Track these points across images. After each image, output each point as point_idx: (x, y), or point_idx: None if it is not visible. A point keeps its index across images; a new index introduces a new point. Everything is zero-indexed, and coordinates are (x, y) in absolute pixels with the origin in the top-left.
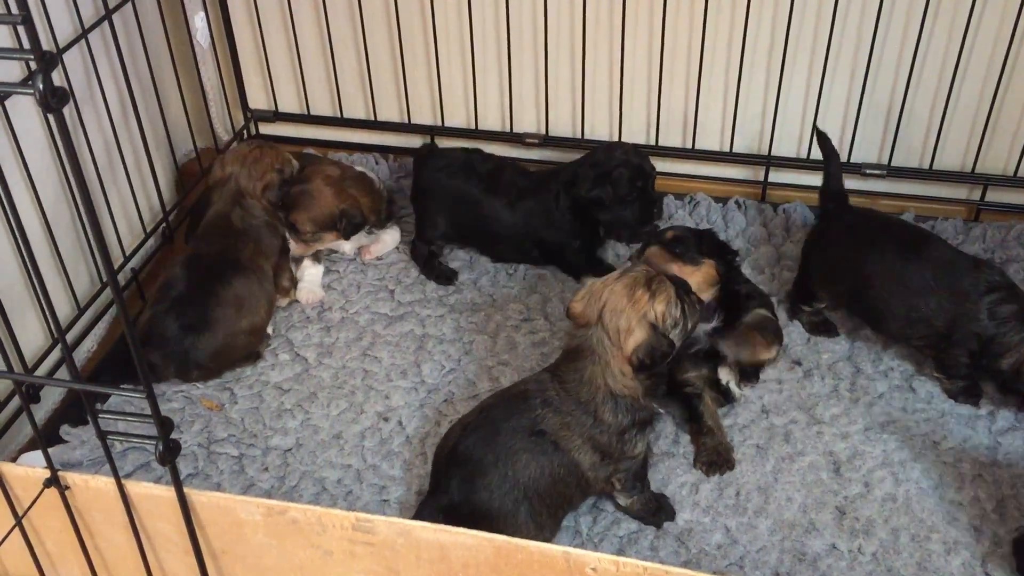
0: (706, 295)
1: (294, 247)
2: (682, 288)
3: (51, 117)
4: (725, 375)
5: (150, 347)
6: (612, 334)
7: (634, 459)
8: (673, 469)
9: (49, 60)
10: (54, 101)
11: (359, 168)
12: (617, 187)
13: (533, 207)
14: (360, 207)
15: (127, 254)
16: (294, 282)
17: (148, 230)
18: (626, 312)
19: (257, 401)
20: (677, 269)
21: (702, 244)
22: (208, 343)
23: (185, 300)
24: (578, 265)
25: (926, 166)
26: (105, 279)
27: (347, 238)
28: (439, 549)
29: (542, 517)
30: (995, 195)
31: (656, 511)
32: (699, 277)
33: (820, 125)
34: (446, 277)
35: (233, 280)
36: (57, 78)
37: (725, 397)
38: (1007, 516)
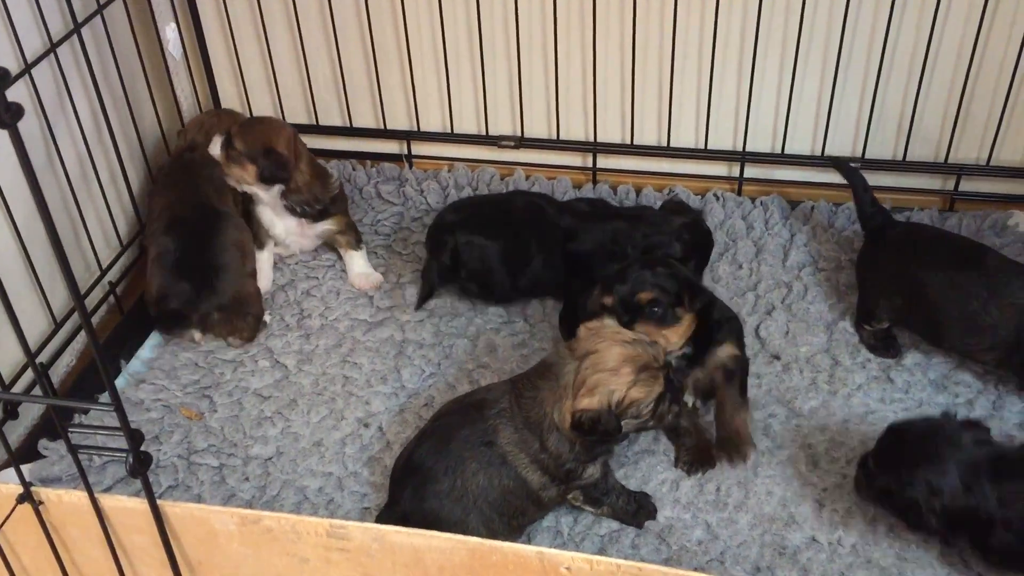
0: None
1: (218, 156)
2: (671, 391)
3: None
4: (690, 398)
5: (169, 298)
6: (578, 380)
7: (585, 482)
8: (653, 467)
9: (3, 76)
10: (7, 116)
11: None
12: (703, 256)
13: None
14: (291, 164)
15: (103, 267)
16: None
17: (125, 242)
18: (602, 375)
19: (237, 409)
20: (663, 337)
21: (675, 290)
22: (225, 285)
23: (184, 259)
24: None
25: (900, 157)
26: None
27: (262, 181)
28: (413, 553)
29: (495, 524)
30: (969, 184)
31: (636, 512)
32: (678, 334)
33: (793, 120)
34: None
35: (226, 229)
36: (27, 93)
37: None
38: None
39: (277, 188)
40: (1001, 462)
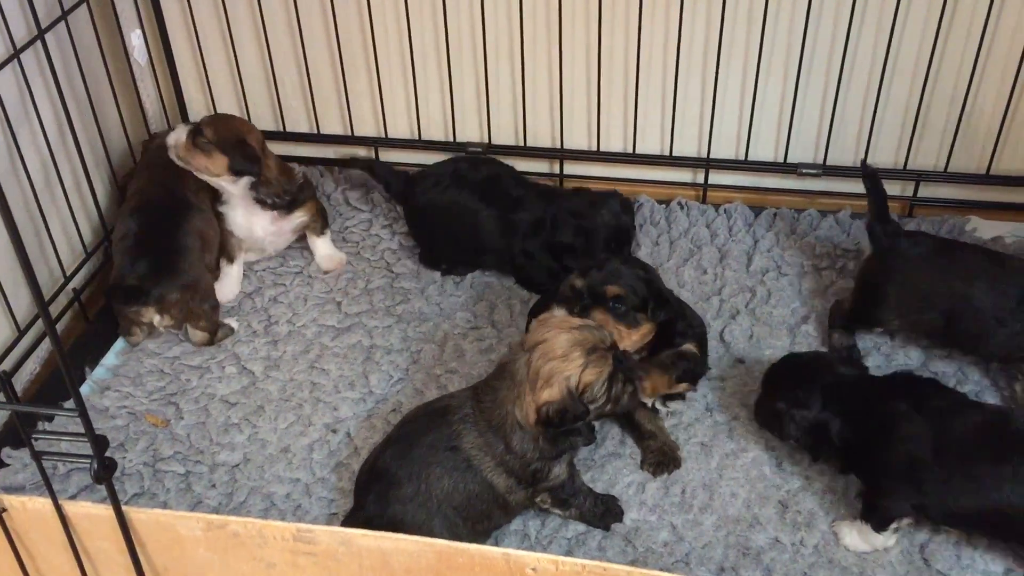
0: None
1: (181, 143)
2: (623, 370)
3: None
4: (649, 400)
5: (127, 277)
6: (532, 373)
7: (552, 483)
8: (620, 470)
9: None
10: None
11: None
12: (593, 243)
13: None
14: (260, 159)
15: (68, 274)
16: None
17: (89, 249)
18: (555, 363)
19: (203, 416)
20: (616, 331)
21: (643, 294)
22: (185, 267)
23: (147, 240)
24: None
25: (860, 164)
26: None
27: (232, 172)
28: (381, 556)
29: (459, 529)
30: (927, 190)
31: (603, 514)
32: (636, 337)
33: (756, 127)
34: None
35: (192, 218)
36: None
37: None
38: None
39: (245, 181)
40: (859, 384)
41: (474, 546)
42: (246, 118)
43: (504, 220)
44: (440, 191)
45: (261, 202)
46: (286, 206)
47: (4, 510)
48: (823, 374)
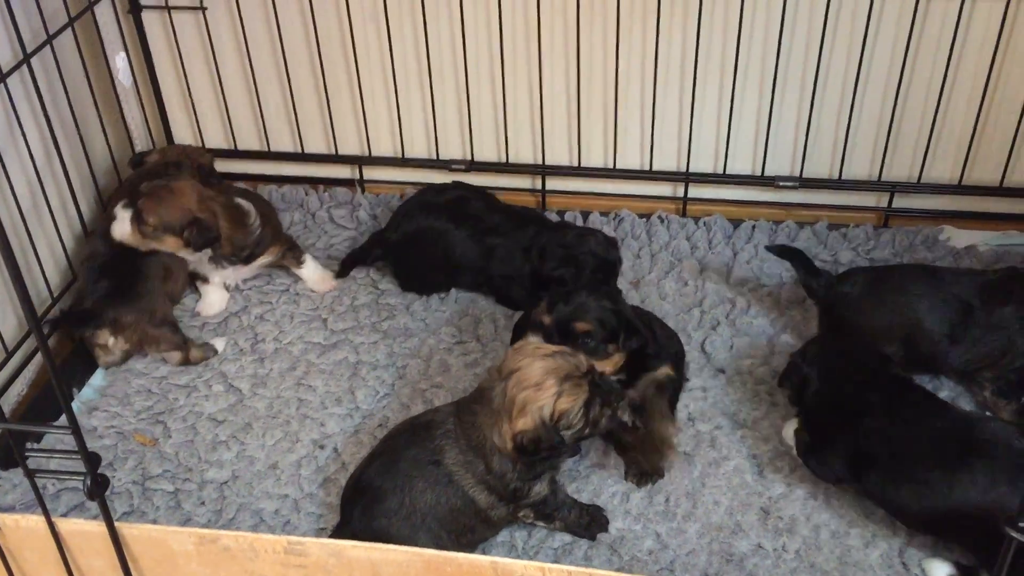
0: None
1: (128, 234)
2: (599, 394)
3: None
4: (627, 416)
5: (86, 298)
6: (507, 402)
7: (533, 500)
8: (604, 480)
9: None
10: None
11: (242, 201)
12: (580, 274)
13: (498, 247)
14: (216, 229)
15: (55, 295)
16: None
17: (76, 270)
18: (528, 392)
19: (191, 434)
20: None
21: (612, 326)
22: (143, 291)
23: (111, 263)
24: (520, 300)
25: (836, 176)
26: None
27: (195, 249)
28: (370, 566)
29: (444, 542)
30: (901, 201)
31: (589, 524)
32: (609, 368)
33: (733, 142)
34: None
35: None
36: None
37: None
38: None
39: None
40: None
41: (462, 555)
42: (231, 140)
43: (481, 244)
44: (410, 222)
45: (218, 261)
46: (245, 259)
47: None
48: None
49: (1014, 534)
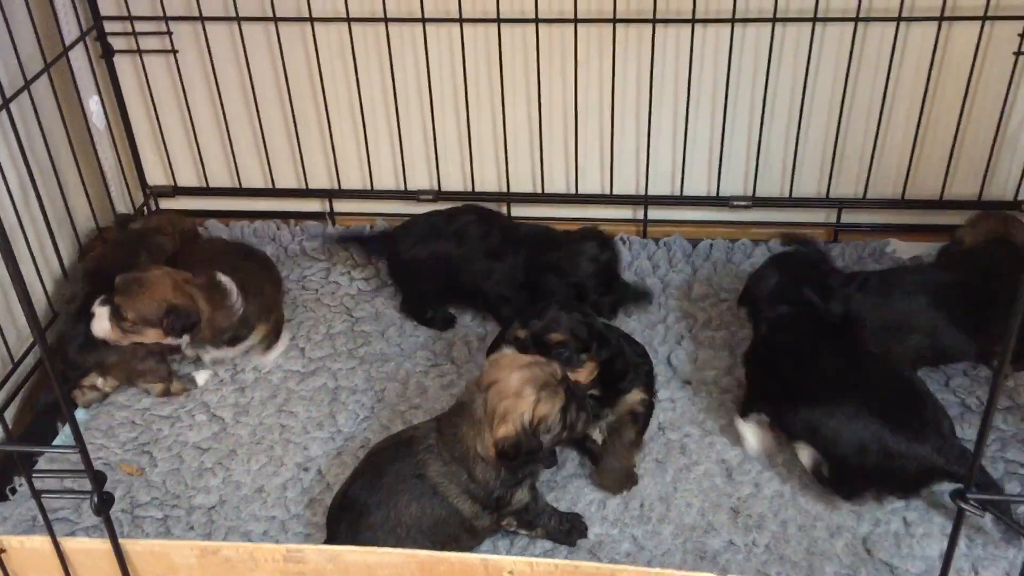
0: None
1: (108, 331)
2: (574, 400)
3: None
4: (598, 434)
5: (68, 343)
6: (489, 411)
7: (516, 507)
8: (581, 489)
9: None
10: None
11: (223, 279)
12: (583, 286)
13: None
14: (194, 310)
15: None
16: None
17: (56, 309)
18: (508, 401)
19: (177, 462)
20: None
21: (585, 336)
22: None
23: (90, 307)
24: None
25: (786, 195)
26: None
27: (176, 336)
28: (367, 570)
29: None
30: (849, 216)
31: (568, 531)
32: (583, 377)
33: (688, 163)
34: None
35: None
36: None
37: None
38: (883, 497)
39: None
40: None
41: (454, 554)
42: (202, 179)
43: (484, 267)
44: (421, 244)
45: (202, 346)
46: (228, 342)
47: (3, 551)
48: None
49: (964, 506)
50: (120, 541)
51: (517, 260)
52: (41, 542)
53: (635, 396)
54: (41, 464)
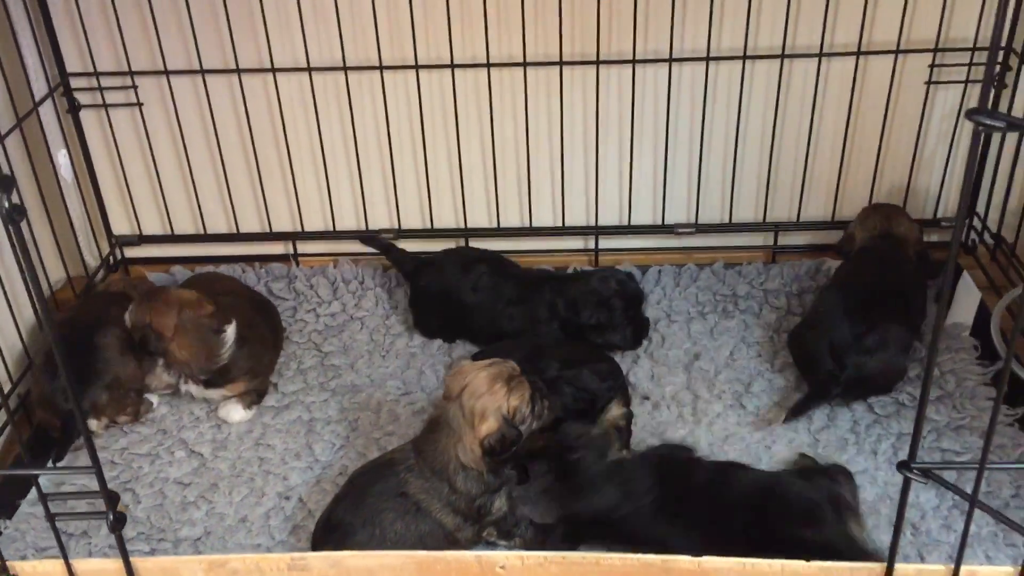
0: None
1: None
2: (538, 390)
3: None
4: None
5: (51, 393)
6: (467, 414)
7: (496, 516)
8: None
9: None
10: None
11: (230, 330)
12: (613, 315)
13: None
14: (165, 337)
15: (14, 380)
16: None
17: (32, 357)
18: (483, 399)
19: (160, 498)
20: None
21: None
22: (103, 366)
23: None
24: None
25: (727, 220)
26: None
27: (137, 349)
28: (368, 572)
29: None
30: (785, 239)
31: (543, 541)
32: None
33: (634, 194)
34: None
35: (110, 331)
36: None
37: None
38: None
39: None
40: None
41: (450, 552)
42: (167, 226)
43: (499, 311)
44: (441, 276)
45: (177, 375)
46: (205, 383)
47: None
48: None
49: (911, 475)
50: (132, 560)
51: (540, 298)
52: (53, 565)
53: (616, 411)
54: (49, 489)
